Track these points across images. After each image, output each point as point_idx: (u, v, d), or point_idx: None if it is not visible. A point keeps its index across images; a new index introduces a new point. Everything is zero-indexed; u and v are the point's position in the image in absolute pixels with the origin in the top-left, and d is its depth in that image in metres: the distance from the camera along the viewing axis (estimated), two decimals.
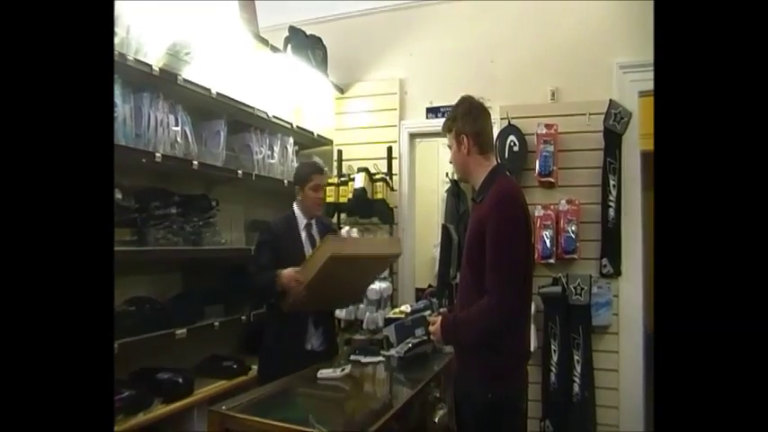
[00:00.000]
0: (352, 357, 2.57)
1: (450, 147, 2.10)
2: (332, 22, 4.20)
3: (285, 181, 3.46)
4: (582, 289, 3.38)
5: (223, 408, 1.76)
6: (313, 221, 2.85)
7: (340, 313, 3.81)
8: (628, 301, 3.40)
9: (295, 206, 2.87)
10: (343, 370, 2.29)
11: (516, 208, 1.92)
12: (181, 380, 2.50)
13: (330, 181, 3.94)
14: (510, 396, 1.92)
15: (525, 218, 1.95)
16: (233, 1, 3.10)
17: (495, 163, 2.08)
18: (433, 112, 3.96)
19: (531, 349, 3.37)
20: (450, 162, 2.15)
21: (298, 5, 4.02)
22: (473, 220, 2.03)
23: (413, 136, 4.10)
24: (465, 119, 2.05)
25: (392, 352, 2.58)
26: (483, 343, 1.91)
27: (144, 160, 2.40)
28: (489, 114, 2.12)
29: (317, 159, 3.66)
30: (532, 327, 3.40)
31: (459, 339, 2.02)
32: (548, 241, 3.44)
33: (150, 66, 2.43)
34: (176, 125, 2.62)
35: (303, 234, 2.82)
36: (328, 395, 2.18)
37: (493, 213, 1.88)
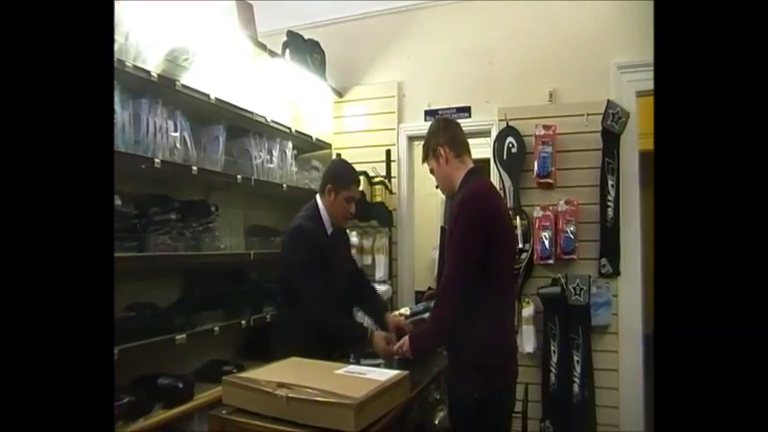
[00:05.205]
0: (351, 360, 2.56)
1: (433, 171, 2.15)
2: (330, 26, 4.22)
3: (284, 185, 3.46)
4: (581, 289, 3.39)
5: (223, 412, 1.76)
6: (336, 230, 2.57)
7: None
8: (627, 300, 3.42)
9: (321, 206, 2.51)
10: None
11: (465, 211, 1.93)
12: (181, 385, 2.50)
13: None
14: (489, 392, 1.93)
15: (480, 218, 1.91)
16: (231, 7, 3.12)
17: (471, 166, 2.11)
18: (431, 114, 3.97)
19: (531, 350, 3.43)
20: (438, 186, 2.19)
21: (296, 10, 4.03)
22: None
23: (411, 139, 4.11)
24: (436, 134, 2.14)
25: None
26: (440, 344, 2.14)
27: (143, 166, 2.40)
28: (459, 124, 2.22)
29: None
30: (532, 327, 3.46)
31: (421, 348, 2.17)
32: (546, 242, 3.45)
33: (149, 72, 2.44)
34: (175, 131, 2.62)
35: (332, 244, 2.53)
36: None
37: (450, 220, 1.95)
